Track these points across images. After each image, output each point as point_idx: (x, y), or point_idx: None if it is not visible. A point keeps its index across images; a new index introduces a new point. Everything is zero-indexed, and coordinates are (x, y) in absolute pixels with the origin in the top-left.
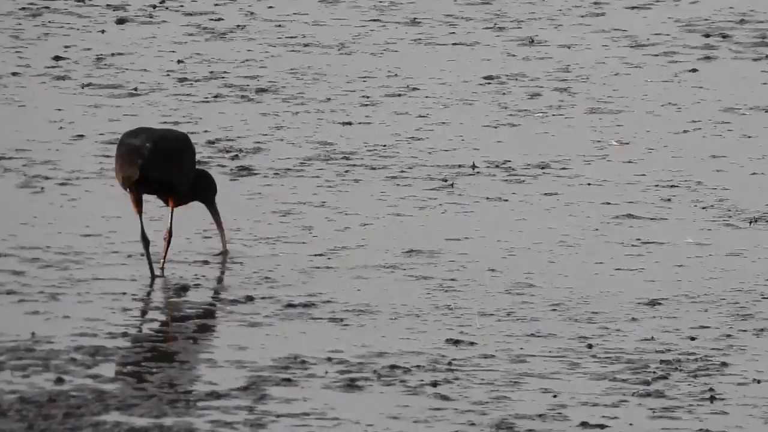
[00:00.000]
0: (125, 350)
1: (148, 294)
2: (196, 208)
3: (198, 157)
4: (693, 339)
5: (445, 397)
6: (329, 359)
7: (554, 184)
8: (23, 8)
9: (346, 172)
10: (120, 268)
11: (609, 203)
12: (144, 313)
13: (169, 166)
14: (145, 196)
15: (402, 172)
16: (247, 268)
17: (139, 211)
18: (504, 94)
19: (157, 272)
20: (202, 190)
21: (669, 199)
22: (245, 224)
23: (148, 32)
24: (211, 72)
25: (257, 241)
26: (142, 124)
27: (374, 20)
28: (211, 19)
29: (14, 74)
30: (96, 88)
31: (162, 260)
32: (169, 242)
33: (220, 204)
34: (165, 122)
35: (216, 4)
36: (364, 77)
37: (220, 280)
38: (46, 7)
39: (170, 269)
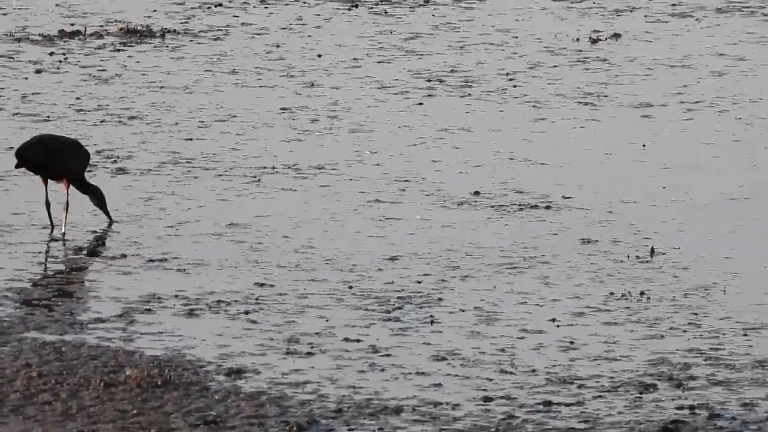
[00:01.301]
0: (40, 289)
1: (57, 253)
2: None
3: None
4: (419, 282)
5: (253, 321)
6: (176, 296)
7: (328, 179)
8: None
9: (188, 171)
10: (39, 236)
11: (364, 192)
12: (53, 265)
13: (47, 156)
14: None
15: (226, 171)
16: (122, 235)
17: (45, 185)
18: (294, 120)
19: (56, 232)
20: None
21: (404, 189)
22: (121, 206)
23: (57, 79)
24: (99, 105)
25: (129, 217)
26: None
27: (207, 70)
28: (99, 70)
29: None
30: (22, 116)
31: (63, 226)
32: (66, 213)
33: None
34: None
35: (101, 60)
36: (200, 108)
37: (103, 243)
38: None
39: (70, 236)
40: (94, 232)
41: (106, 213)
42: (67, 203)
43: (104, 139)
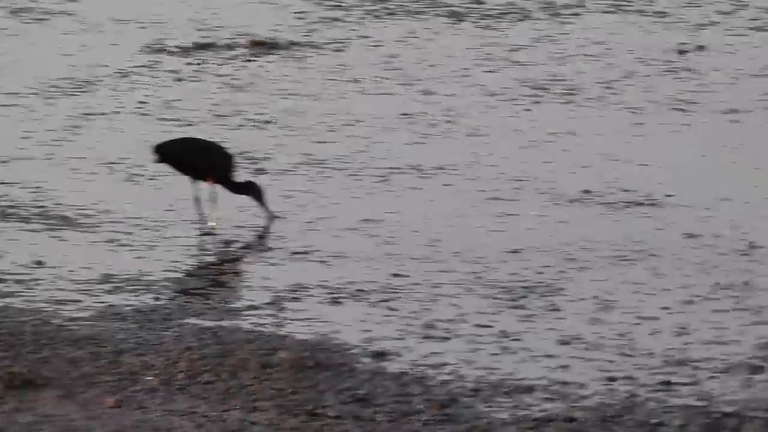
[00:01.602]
0: (196, 279)
1: (209, 246)
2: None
3: None
4: (540, 273)
5: (392, 309)
6: (320, 286)
7: (449, 179)
8: None
9: (322, 171)
10: (191, 231)
11: (483, 190)
12: (206, 257)
13: (184, 154)
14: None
15: (356, 171)
16: (267, 229)
17: (193, 184)
18: (414, 124)
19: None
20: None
21: (519, 188)
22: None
23: (195, 87)
24: (235, 111)
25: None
26: None
27: (331, 79)
28: (233, 79)
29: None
30: (166, 121)
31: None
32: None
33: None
34: None
35: (234, 69)
36: (328, 114)
37: (250, 237)
38: None
39: (219, 230)
40: (241, 227)
41: (265, 208)
42: (213, 199)
43: (243, 142)
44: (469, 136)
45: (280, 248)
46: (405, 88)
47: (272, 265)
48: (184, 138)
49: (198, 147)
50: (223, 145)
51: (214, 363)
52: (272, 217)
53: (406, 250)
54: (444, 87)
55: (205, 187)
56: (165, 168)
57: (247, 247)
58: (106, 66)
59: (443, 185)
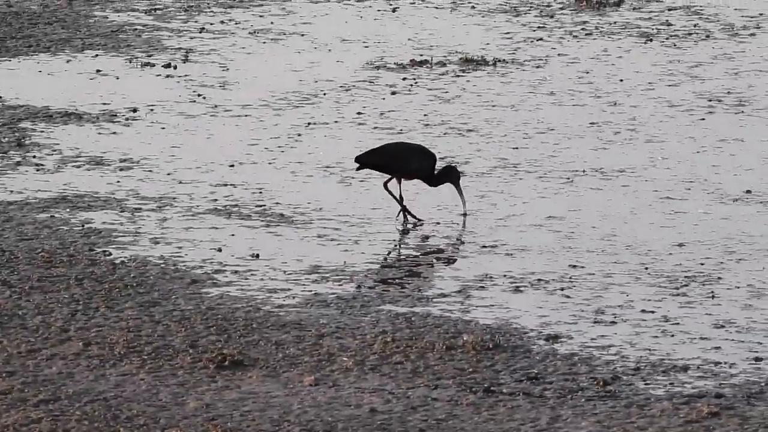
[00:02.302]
0: (394, 270)
1: (408, 240)
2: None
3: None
4: (702, 264)
5: (567, 296)
6: (504, 276)
7: (627, 180)
8: None
9: (515, 174)
10: (392, 227)
11: (657, 190)
12: (404, 251)
13: (388, 160)
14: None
15: (545, 174)
16: (461, 226)
17: (399, 183)
18: (601, 132)
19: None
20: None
21: (689, 189)
22: (452, 206)
23: (408, 99)
24: (442, 121)
25: (467, 211)
26: None
27: (530, 92)
28: (442, 92)
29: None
30: (380, 129)
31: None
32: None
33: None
34: None
35: (444, 84)
36: (524, 123)
37: (444, 232)
38: None
39: (419, 230)
40: (438, 223)
41: (461, 193)
42: (401, 197)
43: (446, 148)
44: (648, 142)
45: (471, 242)
46: (595, 99)
47: (462, 257)
48: (384, 146)
49: (398, 151)
50: (424, 146)
51: (405, 345)
52: (465, 204)
53: (583, 244)
54: (629, 99)
55: (395, 184)
56: (372, 171)
57: (442, 241)
58: (331, 81)
59: (622, 186)
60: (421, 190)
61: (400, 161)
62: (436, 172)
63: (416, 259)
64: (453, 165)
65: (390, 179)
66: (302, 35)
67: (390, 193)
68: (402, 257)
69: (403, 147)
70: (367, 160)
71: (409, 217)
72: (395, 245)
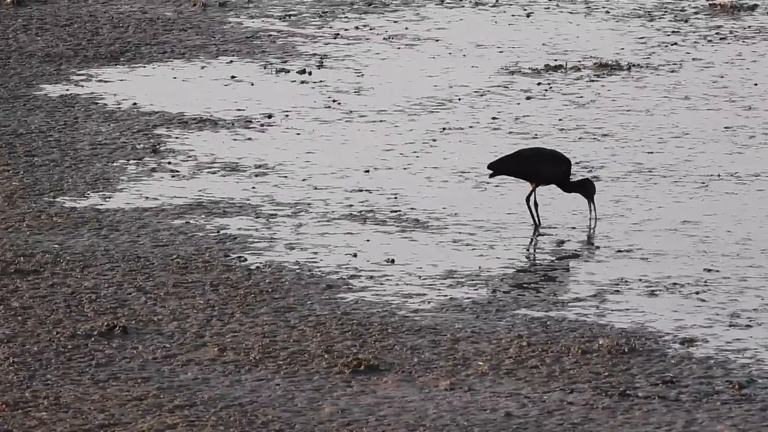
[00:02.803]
0: (530, 274)
1: (542, 245)
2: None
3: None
4: None
5: (702, 300)
6: (640, 280)
7: (763, 184)
8: None
9: (650, 179)
10: (527, 231)
11: None
12: (539, 255)
13: (522, 166)
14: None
15: (680, 178)
16: (596, 230)
17: (533, 188)
18: (735, 137)
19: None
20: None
21: None
22: (583, 209)
23: (543, 104)
24: (577, 125)
25: (602, 216)
26: None
27: (665, 97)
28: (577, 97)
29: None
30: (515, 135)
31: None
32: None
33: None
34: None
35: (579, 89)
36: (659, 128)
37: (579, 237)
38: None
39: (553, 231)
40: (573, 228)
41: (592, 206)
42: (535, 202)
43: (581, 153)
44: None
45: (606, 247)
46: (729, 104)
47: (598, 261)
48: (518, 152)
49: (531, 156)
50: (558, 152)
51: (540, 349)
52: (596, 216)
53: (718, 248)
54: (764, 103)
55: (533, 188)
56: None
57: (577, 246)
58: (466, 86)
59: (757, 190)
60: (556, 195)
61: (534, 167)
62: (573, 179)
63: (551, 264)
64: (591, 179)
65: (531, 193)
66: (436, 40)
67: (530, 209)
68: (537, 262)
69: (536, 153)
70: (500, 167)
71: (535, 220)
72: (530, 250)
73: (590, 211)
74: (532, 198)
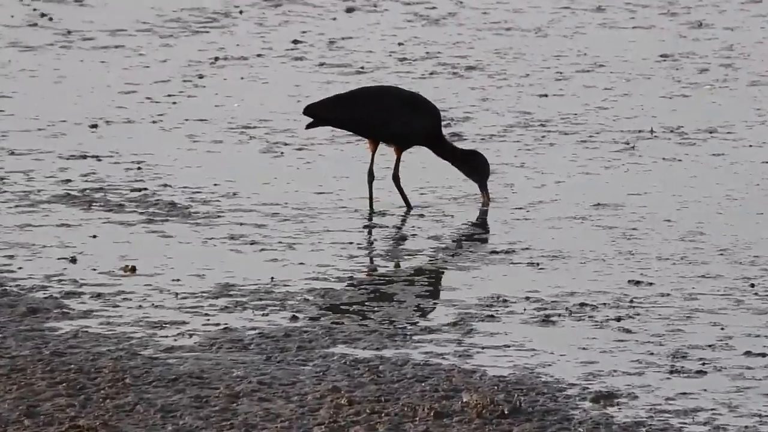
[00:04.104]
0: (351, 292)
1: (371, 243)
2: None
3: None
4: None
5: (627, 330)
6: (527, 298)
7: (721, 146)
8: None
9: (543, 137)
10: (347, 221)
11: None
12: (367, 259)
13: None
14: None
15: (590, 136)
16: (457, 220)
17: (372, 151)
18: (677, 69)
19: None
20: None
21: None
22: (456, 182)
23: (373, 19)
24: (427, 53)
25: (467, 197)
26: None
27: (565, 7)
28: (427, 8)
29: (258, 55)
30: (329, 67)
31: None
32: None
33: (420, 163)
34: None
35: None
36: (558, 56)
37: (432, 230)
38: None
39: (391, 221)
40: (421, 216)
41: (483, 190)
42: (397, 175)
43: (435, 96)
44: (753, 85)
45: (475, 244)
46: (668, 19)
47: (460, 270)
48: (356, 92)
49: (379, 99)
50: (420, 95)
51: (369, 411)
52: (488, 202)
53: (652, 247)
54: (723, 17)
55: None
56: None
57: (430, 244)
58: None
59: (712, 155)
60: (412, 163)
61: (381, 116)
62: (449, 143)
63: (387, 272)
64: (482, 154)
65: (396, 166)
66: None
67: (400, 189)
68: (364, 269)
69: (385, 94)
70: (324, 113)
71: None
72: (355, 249)
73: (483, 195)
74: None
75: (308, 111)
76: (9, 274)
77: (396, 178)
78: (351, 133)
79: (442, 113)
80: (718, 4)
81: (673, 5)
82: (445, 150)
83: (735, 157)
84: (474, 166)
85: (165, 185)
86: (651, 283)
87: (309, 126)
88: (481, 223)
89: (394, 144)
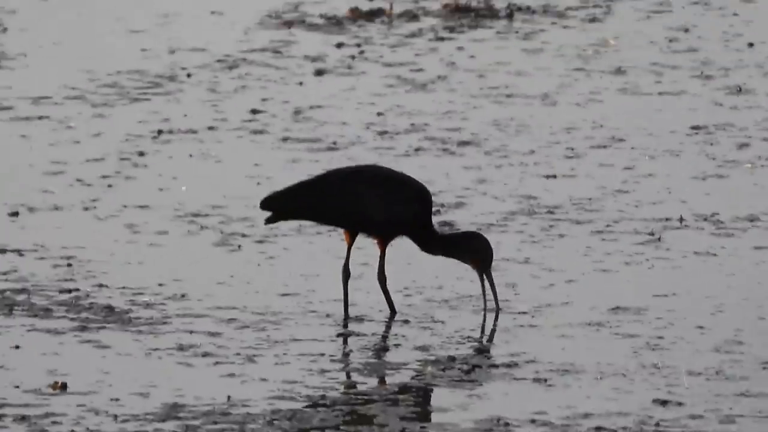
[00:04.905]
0: (323, 414)
1: (347, 355)
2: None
3: None
4: None
5: None
6: (533, 421)
7: (764, 238)
8: (219, 61)
9: (551, 226)
10: (318, 329)
11: None
12: (342, 374)
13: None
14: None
15: (608, 226)
16: (449, 327)
17: (349, 244)
18: (711, 144)
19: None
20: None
21: None
22: (447, 282)
23: (347, 84)
24: (412, 124)
25: (460, 299)
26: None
27: (579, 69)
28: (411, 70)
29: (211, 128)
30: (294, 142)
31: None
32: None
33: (405, 258)
34: None
35: (416, 55)
36: (569, 128)
37: (420, 339)
38: (243, 59)
39: (370, 329)
40: (406, 321)
41: (486, 278)
42: (383, 275)
43: (421, 175)
44: None
45: (465, 356)
46: (701, 82)
47: (454, 386)
48: (324, 176)
49: (353, 184)
50: (404, 175)
51: None
52: (497, 306)
53: (682, 359)
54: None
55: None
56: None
57: (413, 357)
58: (202, 50)
59: (753, 248)
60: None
61: (356, 201)
62: (437, 229)
63: (367, 390)
64: (481, 234)
65: (381, 262)
66: None
67: (385, 291)
68: (339, 385)
69: (359, 177)
70: (285, 204)
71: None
72: (327, 362)
73: (482, 290)
74: (384, 272)
75: (266, 205)
76: None
77: (381, 278)
78: (325, 225)
79: (434, 198)
80: (762, 65)
81: (707, 66)
82: (433, 242)
83: None
84: (472, 250)
85: (100, 285)
86: (680, 403)
87: (268, 221)
88: (478, 331)
89: (375, 236)
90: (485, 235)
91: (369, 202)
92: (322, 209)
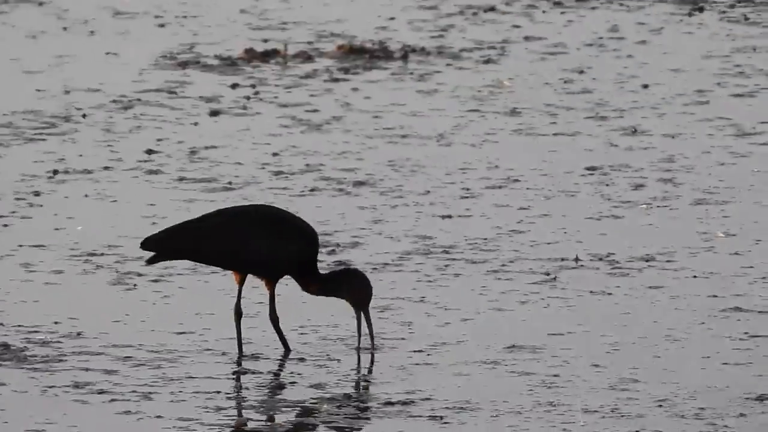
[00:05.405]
0: None
1: (242, 392)
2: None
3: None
4: None
5: None
6: None
7: (659, 277)
8: (114, 101)
9: (446, 266)
10: (214, 366)
11: (716, 296)
12: (239, 412)
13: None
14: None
15: (503, 265)
16: (344, 365)
17: (239, 285)
18: (607, 185)
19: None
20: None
21: None
22: (343, 320)
23: (242, 124)
24: (307, 165)
25: (355, 337)
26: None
27: (473, 110)
28: (307, 110)
29: (106, 168)
30: (190, 182)
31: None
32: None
33: (299, 296)
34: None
35: (311, 95)
36: (464, 169)
37: (316, 377)
38: (138, 100)
39: (265, 367)
40: (302, 359)
41: (363, 315)
42: (275, 315)
43: (317, 217)
44: (698, 204)
45: (364, 394)
46: (597, 124)
47: (352, 426)
48: (208, 216)
49: (236, 222)
50: (290, 214)
51: None
52: (373, 344)
53: (577, 398)
54: (662, 122)
55: (263, 289)
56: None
57: (306, 398)
58: (96, 90)
59: (649, 288)
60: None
61: (235, 241)
62: (320, 269)
63: (262, 428)
64: (358, 271)
65: (272, 302)
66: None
67: (277, 329)
68: (235, 423)
69: (244, 214)
70: (167, 245)
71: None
72: (223, 400)
73: (358, 329)
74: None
75: (147, 245)
76: None
77: (273, 318)
78: (210, 265)
79: (325, 238)
80: (657, 107)
81: (602, 107)
82: (315, 282)
83: (676, 290)
84: (351, 287)
85: None
86: None
87: (150, 261)
88: (373, 369)
89: (260, 276)
90: (367, 274)
91: (248, 243)
92: (202, 250)
